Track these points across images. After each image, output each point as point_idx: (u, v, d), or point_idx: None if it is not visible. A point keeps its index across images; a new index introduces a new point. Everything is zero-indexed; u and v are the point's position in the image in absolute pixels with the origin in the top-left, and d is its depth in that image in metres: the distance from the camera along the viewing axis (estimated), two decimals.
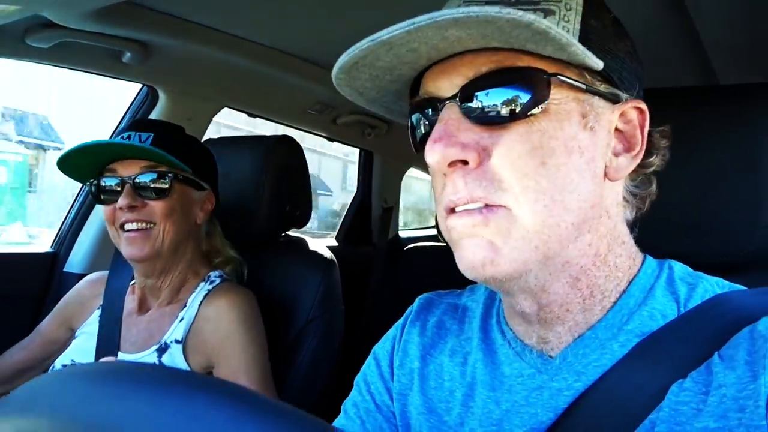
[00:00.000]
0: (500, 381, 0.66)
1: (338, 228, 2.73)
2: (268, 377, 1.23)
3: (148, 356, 1.21)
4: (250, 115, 2.02)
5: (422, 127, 0.62)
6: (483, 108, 0.55)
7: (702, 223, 0.80)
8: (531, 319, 0.63)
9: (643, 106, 0.61)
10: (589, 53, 0.54)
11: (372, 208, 2.68)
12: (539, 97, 0.55)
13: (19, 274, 1.64)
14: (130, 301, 1.33)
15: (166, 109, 1.73)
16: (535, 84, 0.55)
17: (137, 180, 1.21)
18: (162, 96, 1.73)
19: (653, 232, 0.65)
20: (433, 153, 0.55)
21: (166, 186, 1.22)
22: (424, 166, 3.14)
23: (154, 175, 1.22)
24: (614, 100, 0.59)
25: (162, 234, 1.22)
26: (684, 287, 0.62)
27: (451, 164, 0.56)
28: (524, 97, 0.55)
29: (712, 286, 0.62)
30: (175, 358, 1.20)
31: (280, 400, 1.22)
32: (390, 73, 0.59)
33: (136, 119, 1.38)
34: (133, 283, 1.36)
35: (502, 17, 0.48)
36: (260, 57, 1.62)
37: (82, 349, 1.28)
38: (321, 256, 1.51)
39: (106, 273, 1.40)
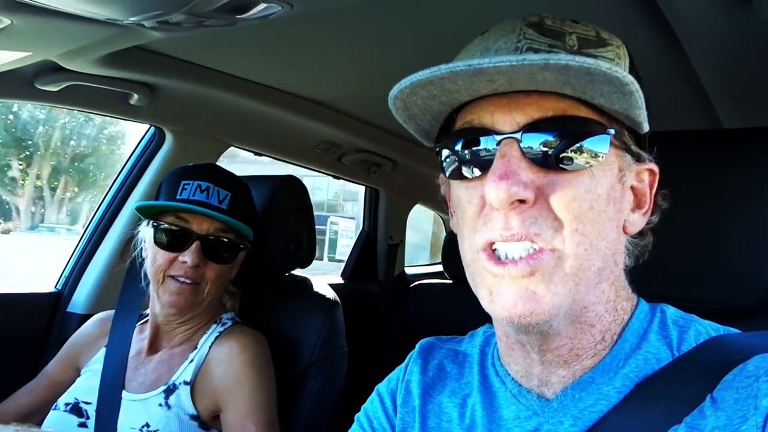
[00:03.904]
0: (498, 425, 0.66)
1: (344, 265, 2.73)
2: (274, 421, 1.21)
3: (155, 397, 1.20)
4: (255, 153, 2.04)
5: (466, 155, 0.60)
6: (545, 150, 0.56)
7: (705, 268, 0.79)
8: (534, 360, 0.63)
9: (656, 168, 0.64)
10: (646, 117, 0.56)
11: (378, 245, 2.68)
12: (600, 149, 0.57)
13: (22, 315, 1.63)
14: (139, 341, 1.32)
15: (173, 148, 1.75)
16: (599, 137, 0.57)
17: (208, 241, 1.21)
18: (169, 136, 1.75)
19: (656, 278, 0.65)
20: (498, 190, 0.54)
21: (234, 255, 1.24)
22: (430, 203, 3.17)
23: (226, 242, 1.22)
24: (639, 159, 0.62)
25: (206, 292, 1.24)
26: (675, 331, 0.63)
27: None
28: (587, 148, 0.56)
29: (705, 328, 0.63)
30: (182, 400, 1.19)
31: None
32: (447, 96, 0.58)
33: (211, 167, 1.34)
34: (142, 323, 1.35)
35: (613, 74, 0.50)
36: (266, 98, 1.64)
37: (85, 387, 1.26)
38: (324, 297, 1.50)
39: (113, 312, 1.39)
